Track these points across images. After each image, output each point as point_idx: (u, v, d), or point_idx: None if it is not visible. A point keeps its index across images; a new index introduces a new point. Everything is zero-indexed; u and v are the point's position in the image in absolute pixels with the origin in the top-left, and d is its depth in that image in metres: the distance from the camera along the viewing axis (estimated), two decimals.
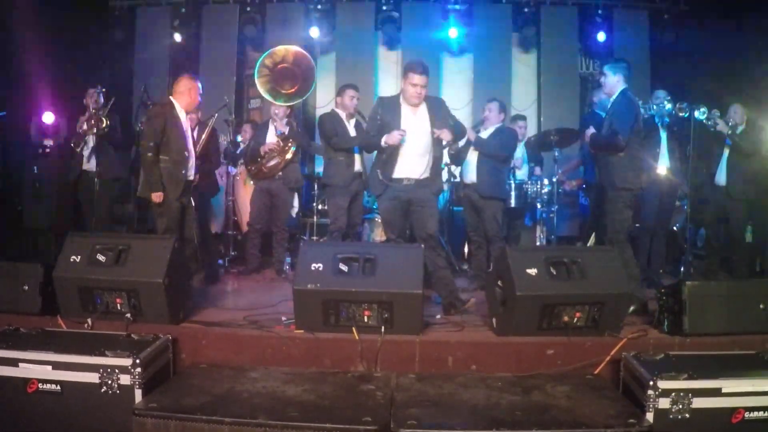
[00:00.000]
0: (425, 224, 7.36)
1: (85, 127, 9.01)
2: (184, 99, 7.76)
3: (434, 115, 7.38)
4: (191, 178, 7.81)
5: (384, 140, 7.29)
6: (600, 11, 13.22)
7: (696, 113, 8.45)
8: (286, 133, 9.44)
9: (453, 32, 13.52)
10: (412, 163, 7.33)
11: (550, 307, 6.05)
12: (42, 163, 11.44)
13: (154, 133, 7.47)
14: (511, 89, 13.67)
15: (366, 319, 6.17)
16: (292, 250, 10.11)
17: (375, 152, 7.68)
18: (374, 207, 11.08)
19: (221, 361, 6.02)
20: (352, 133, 9.36)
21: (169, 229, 7.53)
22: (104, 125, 8.83)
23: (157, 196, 7.50)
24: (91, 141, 9.12)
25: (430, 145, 7.37)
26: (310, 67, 9.46)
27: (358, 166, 9.33)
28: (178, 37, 13.76)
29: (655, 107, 8.71)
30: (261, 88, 9.26)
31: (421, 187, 7.36)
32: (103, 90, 9.02)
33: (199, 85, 7.91)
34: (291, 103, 9.44)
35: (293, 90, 9.34)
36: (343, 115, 9.40)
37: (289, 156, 9.53)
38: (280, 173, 9.54)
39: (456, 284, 7.66)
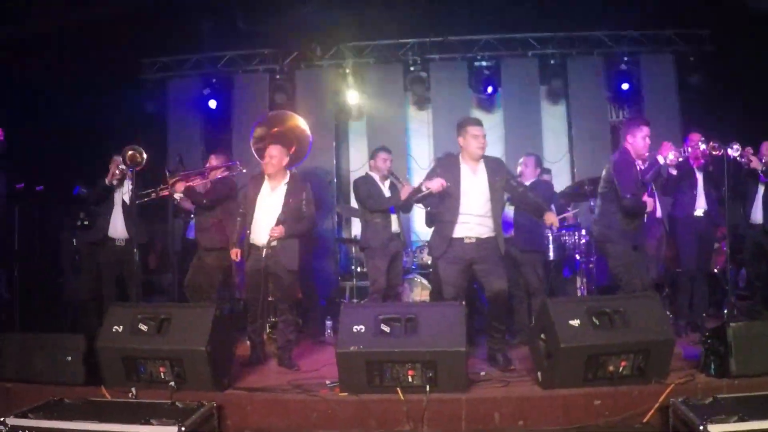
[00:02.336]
0: (490, 284, 7.32)
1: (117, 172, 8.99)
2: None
3: (493, 175, 7.39)
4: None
5: (425, 185, 7.31)
6: (626, 58, 13.19)
7: (729, 151, 8.40)
8: None
9: (488, 90, 13.52)
10: (472, 223, 7.33)
11: (595, 358, 6.01)
12: (80, 235, 11.55)
13: None
14: (542, 142, 13.61)
15: (410, 379, 6.15)
16: (332, 314, 10.07)
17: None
18: (413, 266, 11.08)
19: (267, 427, 6.04)
20: (387, 194, 9.35)
21: None
22: (140, 159, 8.78)
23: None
24: (118, 205, 9.14)
25: (490, 204, 7.37)
26: (305, 135, 9.57)
27: (395, 227, 9.31)
28: (213, 104, 13.87)
29: (689, 150, 8.69)
30: (256, 154, 9.30)
31: (484, 245, 7.34)
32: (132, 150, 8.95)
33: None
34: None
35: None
36: (376, 177, 9.40)
37: None
38: None
39: (505, 343, 7.59)
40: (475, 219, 7.33)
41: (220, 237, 8.76)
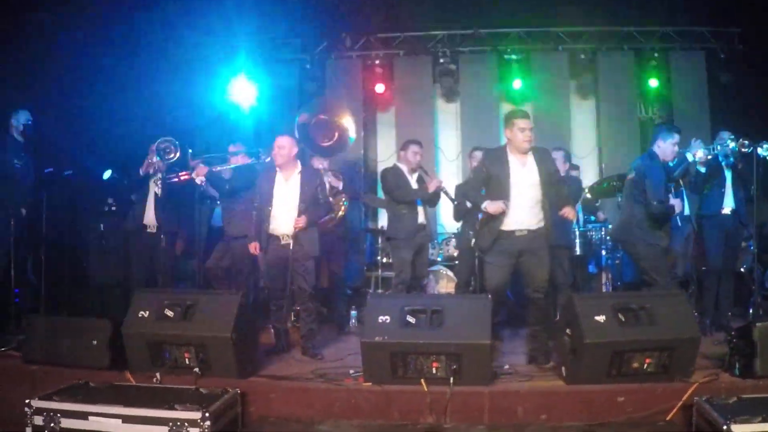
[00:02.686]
0: (535, 276, 7.28)
1: (152, 162, 9.03)
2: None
3: (542, 165, 7.33)
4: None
5: (485, 206, 7.25)
6: (656, 54, 13.14)
7: (759, 150, 8.35)
8: (340, 188, 9.48)
9: (517, 83, 13.48)
10: (522, 215, 7.25)
11: (620, 354, 5.99)
12: (107, 220, 11.62)
13: None
14: (570, 137, 13.58)
15: (434, 371, 6.15)
16: (358, 303, 10.09)
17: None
18: (439, 258, 11.07)
19: (290, 415, 6.05)
20: (414, 186, 9.34)
21: None
22: (173, 155, 8.85)
23: None
24: (152, 194, 9.20)
25: (540, 195, 7.30)
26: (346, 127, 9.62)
27: (421, 219, 9.28)
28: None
29: (719, 147, 8.65)
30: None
31: (535, 237, 7.26)
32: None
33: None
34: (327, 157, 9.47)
35: (329, 143, 9.46)
36: (405, 169, 9.36)
37: (341, 213, 9.57)
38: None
39: (546, 340, 7.44)
40: (525, 211, 7.26)
41: (246, 224, 8.78)
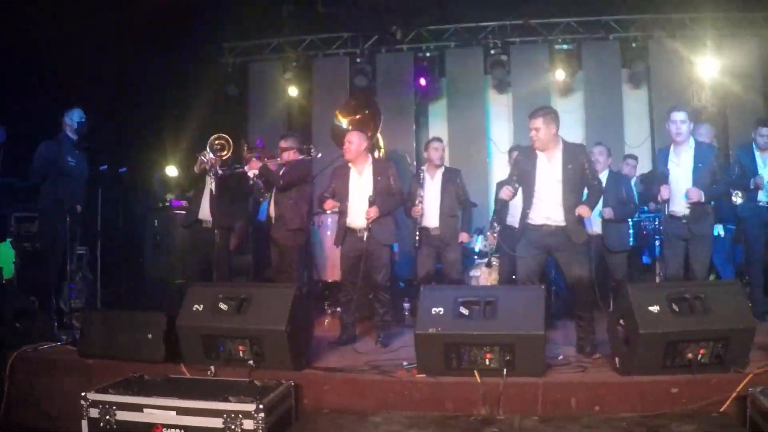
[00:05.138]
0: (568, 270, 7.32)
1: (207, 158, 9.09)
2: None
3: (567, 162, 7.28)
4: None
5: (500, 195, 7.52)
6: (708, 42, 12.97)
7: None
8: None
9: (564, 74, 13.42)
10: (545, 210, 7.31)
11: (674, 345, 5.94)
12: (162, 216, 11.76)
13: None
14: (623, 126, 13.49)
15: (488, 362, 6.15)
16: (410, 296, 10.11)
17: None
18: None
19: (343, 407, 6.08)
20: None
21: None
22: (225, 154, 8.95)
23: None
24: (207, 189, 9.28)
25: (561, 192, 7.28)
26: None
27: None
28: (293, 92, 14.02)
29: (759, 138, 8.61)
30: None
31: (558, 233, 7.28)
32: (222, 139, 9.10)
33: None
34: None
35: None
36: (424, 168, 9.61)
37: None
38: None
39: (592, 332, 7.42)
40: (548, 206, 7.30)
41: (296, 218, 8.83)
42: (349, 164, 8.27)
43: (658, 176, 8.05)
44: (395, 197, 8.35)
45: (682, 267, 7.96)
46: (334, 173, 8.49)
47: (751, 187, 8.54)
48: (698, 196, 7.60)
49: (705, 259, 7.95)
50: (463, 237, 9.40)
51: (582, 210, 7.19)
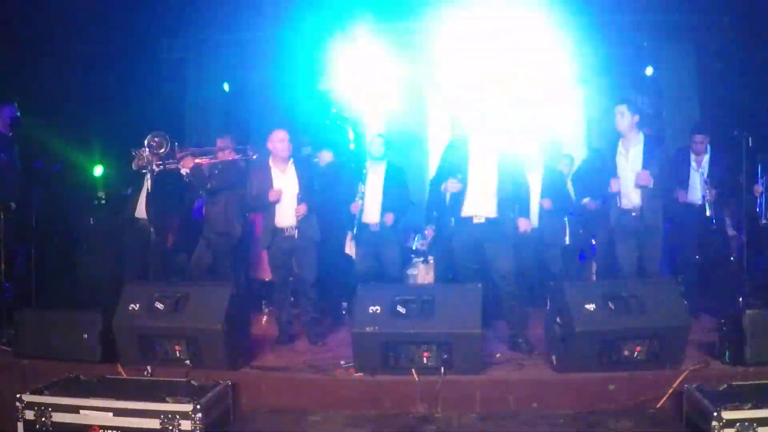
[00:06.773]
0: (496, 265, 7.34)
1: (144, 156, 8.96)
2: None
3: (503, 153, 7.38)
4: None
5: (444, 187, 7.44)
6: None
7: None
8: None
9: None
10: (478, 202, 7.33)
11: (610, 342, 6.01)
12: (97, 213, 11.61)
13: None
14: None
15: (425, 360, 6.17)
16: (348, 294, 10.09)
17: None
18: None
19: (281, 406, 6.08)
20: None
21: None
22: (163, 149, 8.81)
23: None
24: (145, 187, 9.16)
25: (496, 183, 7.34)
26: None
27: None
28: (227, 87, 13.93)
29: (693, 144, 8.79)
30: None
31: (492, 226, 7.32)
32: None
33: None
34: None
35: None
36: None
37: None
38: None
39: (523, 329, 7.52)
40: (479, 198, 7.35)
41: (225, 221, 8.76)
42: (270, 163, 8.17)
43: (607, 167, 8.01)
44: (317, 195, 8.29)
45: (635, 265, 7.94)
46: (252, 176, 8.36)
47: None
48: (647, 179, 7.53)
49: (656, 253, 7.95)
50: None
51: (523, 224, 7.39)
